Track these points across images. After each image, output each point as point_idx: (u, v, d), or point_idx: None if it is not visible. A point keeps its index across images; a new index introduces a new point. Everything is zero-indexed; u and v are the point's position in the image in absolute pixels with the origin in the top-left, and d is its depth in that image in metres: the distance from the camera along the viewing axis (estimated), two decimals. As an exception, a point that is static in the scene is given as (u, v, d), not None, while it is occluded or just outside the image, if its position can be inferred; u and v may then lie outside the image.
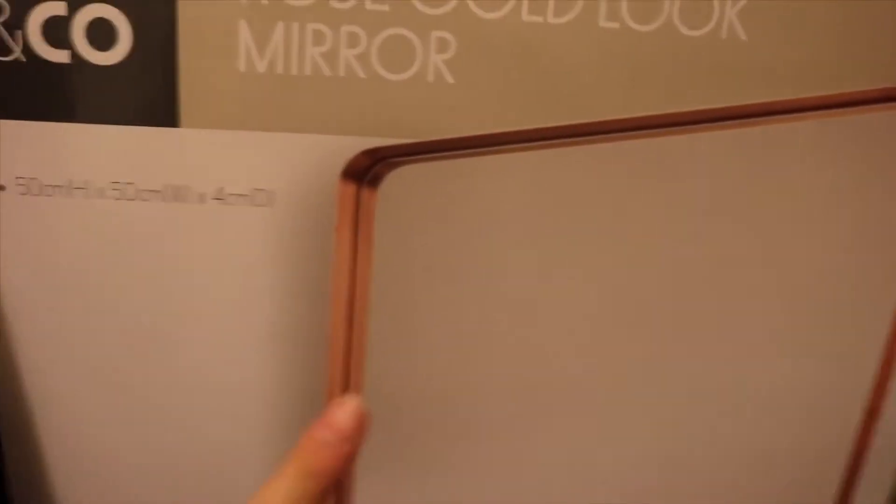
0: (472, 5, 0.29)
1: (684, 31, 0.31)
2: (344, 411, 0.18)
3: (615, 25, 0.30)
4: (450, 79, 0.30)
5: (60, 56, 0.29)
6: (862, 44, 0.32)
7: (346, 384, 0.34)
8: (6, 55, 0.29)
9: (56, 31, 0.29)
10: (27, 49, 0.29)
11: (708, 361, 0.37)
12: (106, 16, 0.29)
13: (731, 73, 0.32)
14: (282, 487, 0.18)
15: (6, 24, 0.29)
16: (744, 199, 0.35)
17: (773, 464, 0.40)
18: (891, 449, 0.41)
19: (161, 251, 0.32)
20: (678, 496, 0.40)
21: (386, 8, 0.29)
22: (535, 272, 0.34)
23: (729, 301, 0.36)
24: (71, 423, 0.35)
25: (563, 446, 0.37)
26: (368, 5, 0.29)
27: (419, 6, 0.29)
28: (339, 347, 0.34)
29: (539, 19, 0.30)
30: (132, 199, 0.31)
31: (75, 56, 0.29)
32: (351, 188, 0.31)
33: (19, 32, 0.29)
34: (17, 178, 0.31)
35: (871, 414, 0.40)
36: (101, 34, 0.29)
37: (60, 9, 0.28)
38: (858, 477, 0.41)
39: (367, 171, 0.31)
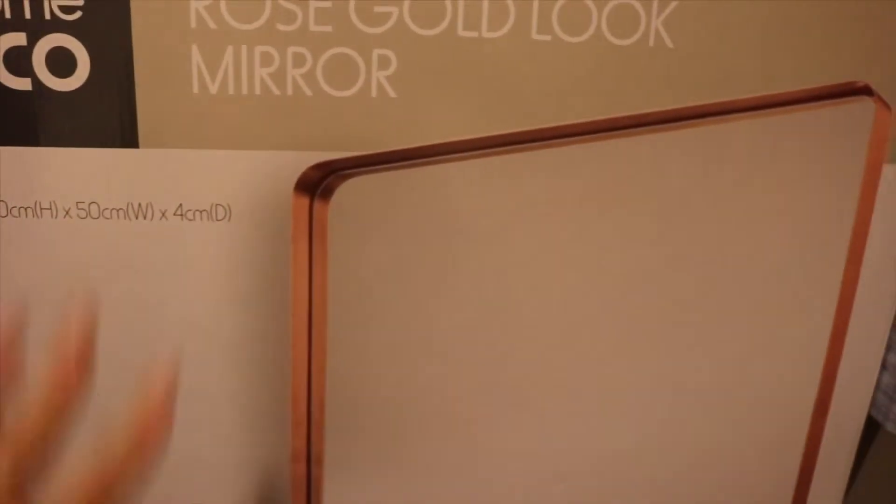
0: (410, 23, 0.31)
1: (613, 40, 0.32)
2: None
3: (547, 38, 0.32)
4: (392, 93, 0.32)
5: (23, 84, 0.31)
6: (785, 49, 0.34)
7: (309, 389, 0.36)
8: (-29, 85, 0.31)
9: (17, 60, 0.30)
10: (-10, 78, 0.31)
11: (661, 360, 0.39)
12: (65, 45, 0.30)
13: (661, 80, 0.33)
14: None
15: (-30, 56, 0.30)
16: (694, 202, 0.37)
17: (727, 460, 0.41)
18: (842, 440, 0.43)
19: (125, 266, 0.33)
20: (635, 492, 0.41)
21: (329, 29, 0.31)
22: (488, 277, 0.35)
23: (680, 300, 0.38)
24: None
25: (520, 444, 0.38)
26: (312, 27, 0.31)
27: (361, 26, 0.31)
28: (301, 354, 0.35)
29: (474, 34, 0.31)
30: (96, 218, 0.32)
31: (37, 83, 0.31)
32: (304, 201, 0.33)
33: (-18, 63, 0.30)
34: (-15, 201, 0.32)
35: (820, 408, 0.41)
36: (61, 62, 0.31)
37: (21, 39, 0.30)
38: (813, 468, 0.43)
39: (318, 183, 0.33)
